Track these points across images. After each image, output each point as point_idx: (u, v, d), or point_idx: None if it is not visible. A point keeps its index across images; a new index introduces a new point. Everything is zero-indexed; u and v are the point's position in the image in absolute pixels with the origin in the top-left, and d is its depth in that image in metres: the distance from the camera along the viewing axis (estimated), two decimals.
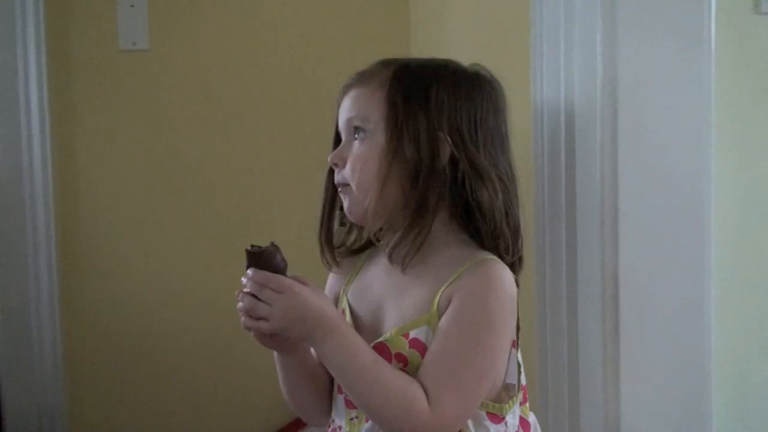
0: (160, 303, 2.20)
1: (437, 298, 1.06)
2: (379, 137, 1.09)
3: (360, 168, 1.10)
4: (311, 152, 2.19)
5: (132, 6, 2.14)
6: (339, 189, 1.14)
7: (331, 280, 1.23)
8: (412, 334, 1.06)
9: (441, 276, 1.07)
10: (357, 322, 1.15)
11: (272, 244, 1.06)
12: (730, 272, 1.32)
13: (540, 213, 1.37)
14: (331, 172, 1.15)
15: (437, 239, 1.09)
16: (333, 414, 1.16)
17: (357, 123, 1.11)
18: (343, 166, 1.12)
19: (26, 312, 2.05)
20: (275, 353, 1.15)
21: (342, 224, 1.18)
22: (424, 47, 2.14)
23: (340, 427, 1.14)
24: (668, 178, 1.24)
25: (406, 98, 1.08)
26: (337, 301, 1.19)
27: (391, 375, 1.02)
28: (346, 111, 1.13)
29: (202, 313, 2.21)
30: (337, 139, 1.16)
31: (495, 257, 1.08)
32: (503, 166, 1.11)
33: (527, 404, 1.14)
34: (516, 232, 1.11)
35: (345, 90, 1.15)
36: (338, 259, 1.19)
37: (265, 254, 1.05)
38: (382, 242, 1.14)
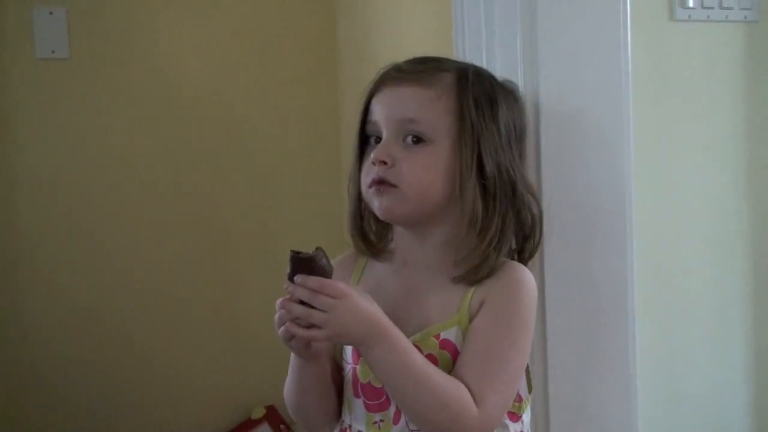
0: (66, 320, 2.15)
1: (468, 300, 1.06)
2: (444, 145, 1.06)
3: (420, 173, 1.06)
4: (230, 152, 2.24)
5: (50, 13, 2.09)
6: (376, 186, 1.08)
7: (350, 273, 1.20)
8: (443, 335, 1.06)
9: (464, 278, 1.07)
10: None
11: (319, 248, 1.01)
12: (651, 273, 1.34)
13: None
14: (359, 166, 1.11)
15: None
16: (348, 419, 1.14)
17: (417, 128, 1.07)
18: (392, 165, 1.07)
19: None
20: (295, 360, 1.12)
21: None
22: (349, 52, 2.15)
23: (359, 431, 1.12)
24: (590, 180, 1.26)
25: (478, 111, 1.07)
26: None
27: (440, 378, 1.01)
28: (399, 107, 1.08)
29: (127, 326, 2.18)
30: (363, 131, 1.12)
31: (515, 261, 1.10)
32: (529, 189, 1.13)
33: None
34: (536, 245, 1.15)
35: (386, 83, 1.10)
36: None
37: (315, 258, 0.99)
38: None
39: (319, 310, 0.99)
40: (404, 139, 1.07)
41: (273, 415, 2.22)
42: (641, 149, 1.31)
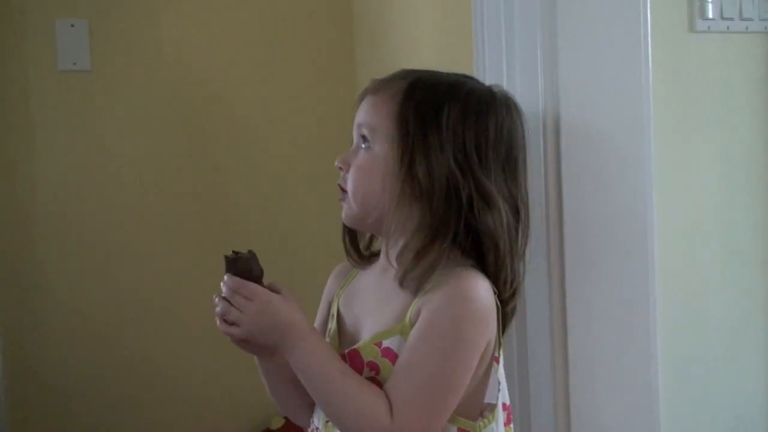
0: (95, 331, 2.17)
1: (411, 309, 1.05)
2: (381, 149, 1.08)
3: (359, 177, 1.10)
4: (257, 171, 2.25)
5: (72, 26, 2.11)
6: (340, 195, 1.14)
7: (330, 282, 1.24)
8: (385, 343, 1.06)
9: (420, 287, 1.06)
10: (342, 328, 1.16)
11: (249, 251, 1.08)
12: (673, 281, 1.34)
13: None
14: None
15: (449, 260, 1.07)
16: (313, 415, 1.16)
17: (364, 131, 1.11)
18: (347, 171, 1.12)
19: None
20: (255, 358, 1.16)
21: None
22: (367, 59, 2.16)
23: (317, 428, 1.14)
24: (611, 191, 1.26)
25: (418, 116, 1.07)
26: (330, 305, 1.21)
27: (356, 386, 1.02)
28: (358, 116, 1.13)
29: (150, 337, 2.19)
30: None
31: (472, 269, 1.06)
32: (513, 193, 1.10)
33: (511, 426, 1.12)
34: (518, 269, 1.10)
35: (363, 94, 1.14)
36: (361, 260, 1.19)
37: (240, 261, 1.07)
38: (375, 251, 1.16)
39: (237, 309, 1.05)
40: (361, 145, 1.11)
41: (292, 425, 2.22)
42: (661, 162, 1.30)
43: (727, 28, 1.37)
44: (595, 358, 1.25)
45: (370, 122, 1.10)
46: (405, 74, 1.12)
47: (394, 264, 1.09)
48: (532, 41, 1.25)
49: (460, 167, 1.06)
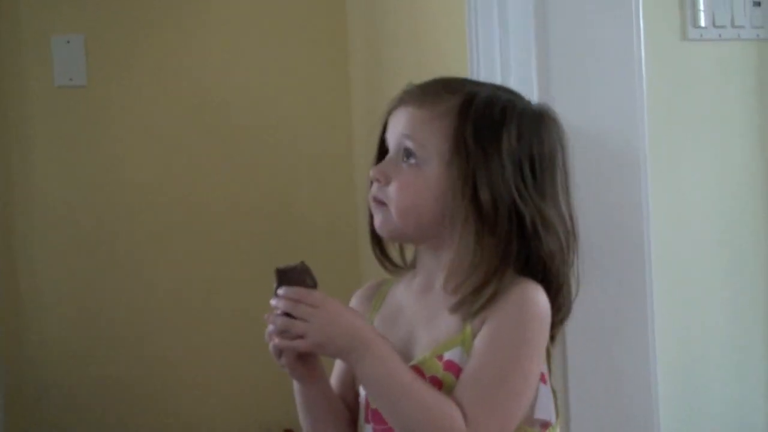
0: (102, 341, 2.16)
1: (471, 319, 1.03)
2: (433, 168, 1.05)
3: (407, 195, 1.06)
4: (257, 183, 2.26)
5: (68, 42, 2.12)
6: (374, 202, 1.09)
7: (353, 305, 1.18)
8: (446, 356, 1.03)
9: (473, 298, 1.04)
10: None
11: (302, 262, 1.04)
12: (669, 290, 1.35)
13: None
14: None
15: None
16: None
17: (410, 145, 1.06)
18: (386, 184, 1.07)
19: None
20: (296, 386, 1.12)
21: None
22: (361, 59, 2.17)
23: None
24: (606, 195, 1.26)
25: (477, 138, 1.03)
26: None
27: (428, 394, 0.99)
28: (400, 125, 1.08)
29: (156, 349, 2.19)
30: (381, 148, 1.12)
31: (528, 279, 1.04)
32: (564, 213, 1.08)
33: None
34: (567, 285, 1.08)
35: (401, 102, 1.10)
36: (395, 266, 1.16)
37: (296, 271, 1.03)
38: (413, 267, 1.13)
39: (301, 320, 1.00)
40: (403, 158, 1.07)
41: None
42: (655, 168, 1.31)
43: (719, 35, 1.39)
44: (592, 365, 1.26)
45: (418, 137, 1.06)
46: (450, 87, 1.09)
47: (447, 291, 1.06)
48: (527, 46, 1.26)
49: (519, 191, 1.03)
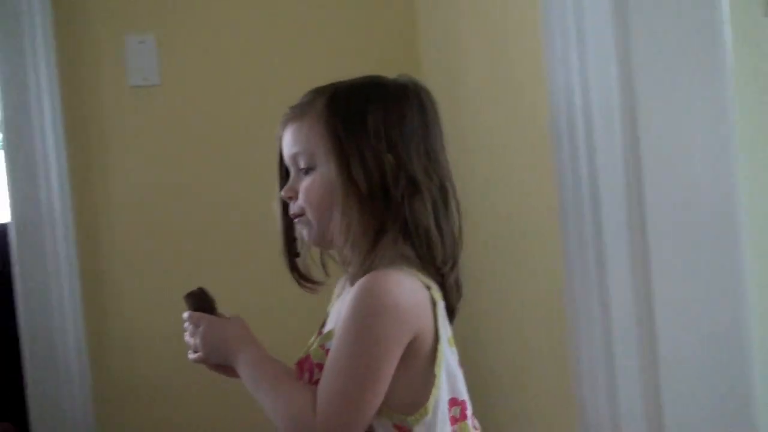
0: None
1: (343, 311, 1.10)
2: (327, 168, 1.13)
3: (314, 199, 1.15)
4: None
5: (141, 42, 2.15)
6: (296, 220, 1.19)
7: (335, 291, 1.29)
8: (327, 345, 1.12)
9: None
10: None
11: (199, 288, 1.24)
12: (764, 274, 1.29)
13: (565, 223, 1.35)
14: (284, 204, 1.21)
15: (385, 258, 1.11)
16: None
17: (303, 158, 1.16)
18: (297, 198, 1.17)
19: (55, 357, 2.05)
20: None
21: (296, 255, 1.24)
22: (434, 55, 2.14)
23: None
24: (693, 180, 1.22)
25: (346, 127, 1.12)
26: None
27: (286, 387, 1.10)
28: (288, 146, 1.18)
29: None
30: (282, 171, 1.22)
31: (389, 268, 1.09)
32: (436, 176, 1.14)
33: (468, 421, 1.14)
34: (451, 242, 1.14)
35: (284, 124, 1.20)
36: (317, 283, 1.25)
37: (192, 297, 1.23)
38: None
39: (194, 338, 1.21)
40: (302, 172, 1.17)
41: None
42: (744, 147, 1.26)
43: None
44: (686, 358, 1.21)
45: (304, 148, 1.15)
46: (319, 91, 1.17)
47: (348, 270, 1.15)
48: (604, 25, 1.22)
49: (391, 164, 1.11)
